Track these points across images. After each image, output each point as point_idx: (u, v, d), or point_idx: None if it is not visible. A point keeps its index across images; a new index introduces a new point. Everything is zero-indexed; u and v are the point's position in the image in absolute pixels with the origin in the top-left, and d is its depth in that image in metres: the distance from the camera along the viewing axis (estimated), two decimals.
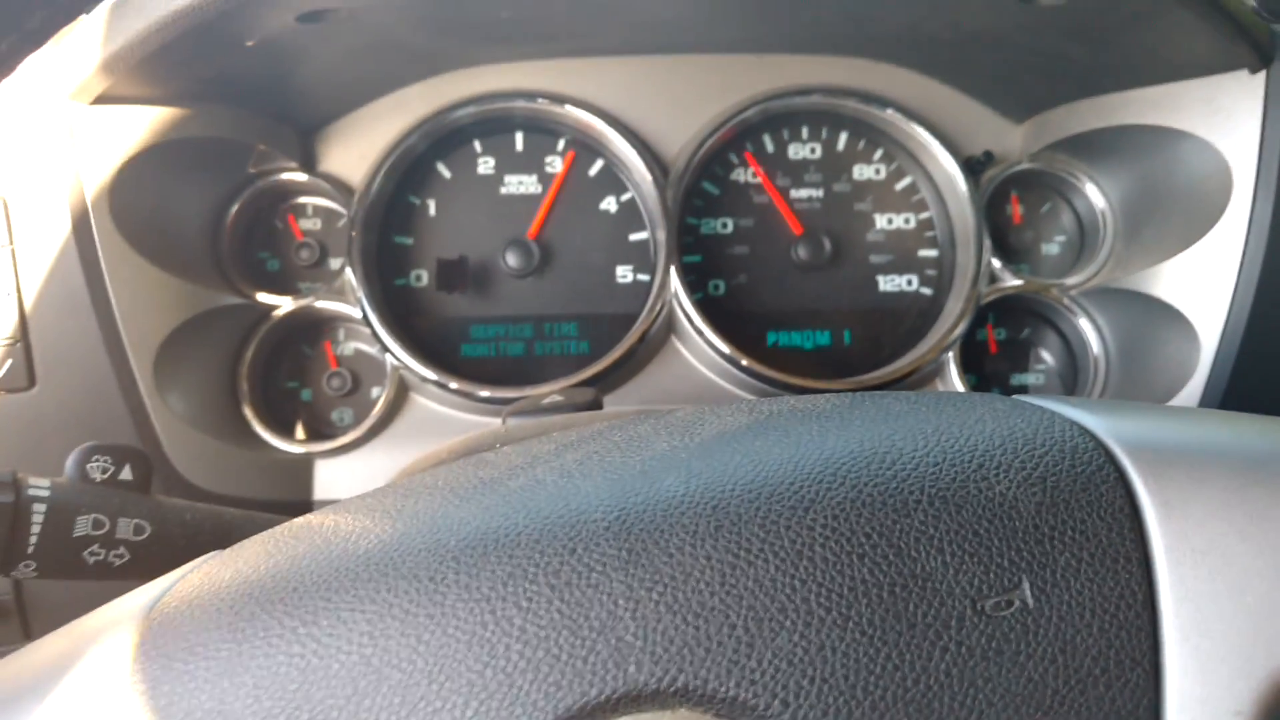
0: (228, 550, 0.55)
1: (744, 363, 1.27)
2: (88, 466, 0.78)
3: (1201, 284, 1.17)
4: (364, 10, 1.06)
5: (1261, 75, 1.13)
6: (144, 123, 1.11)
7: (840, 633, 0.44)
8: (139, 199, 1.13)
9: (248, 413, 1.25)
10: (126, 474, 0.81)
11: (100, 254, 1.08)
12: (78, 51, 1.04)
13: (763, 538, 0.46)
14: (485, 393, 1.25)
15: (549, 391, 1.14)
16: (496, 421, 1.23)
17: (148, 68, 1.03)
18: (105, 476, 0.79)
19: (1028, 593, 0.45)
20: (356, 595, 0.47)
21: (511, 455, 0.59)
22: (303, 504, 1.23)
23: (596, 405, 1.02)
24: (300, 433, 1.31)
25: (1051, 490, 0.48)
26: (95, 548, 0.76)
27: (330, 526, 0.53)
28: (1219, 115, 1.16)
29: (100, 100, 1.08)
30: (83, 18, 1.01)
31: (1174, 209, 1.23)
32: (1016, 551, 0.46)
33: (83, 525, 0.76)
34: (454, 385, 1.25)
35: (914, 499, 0.48)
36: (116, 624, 0.49)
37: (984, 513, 0.47)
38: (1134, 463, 0.48)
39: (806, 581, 0.45)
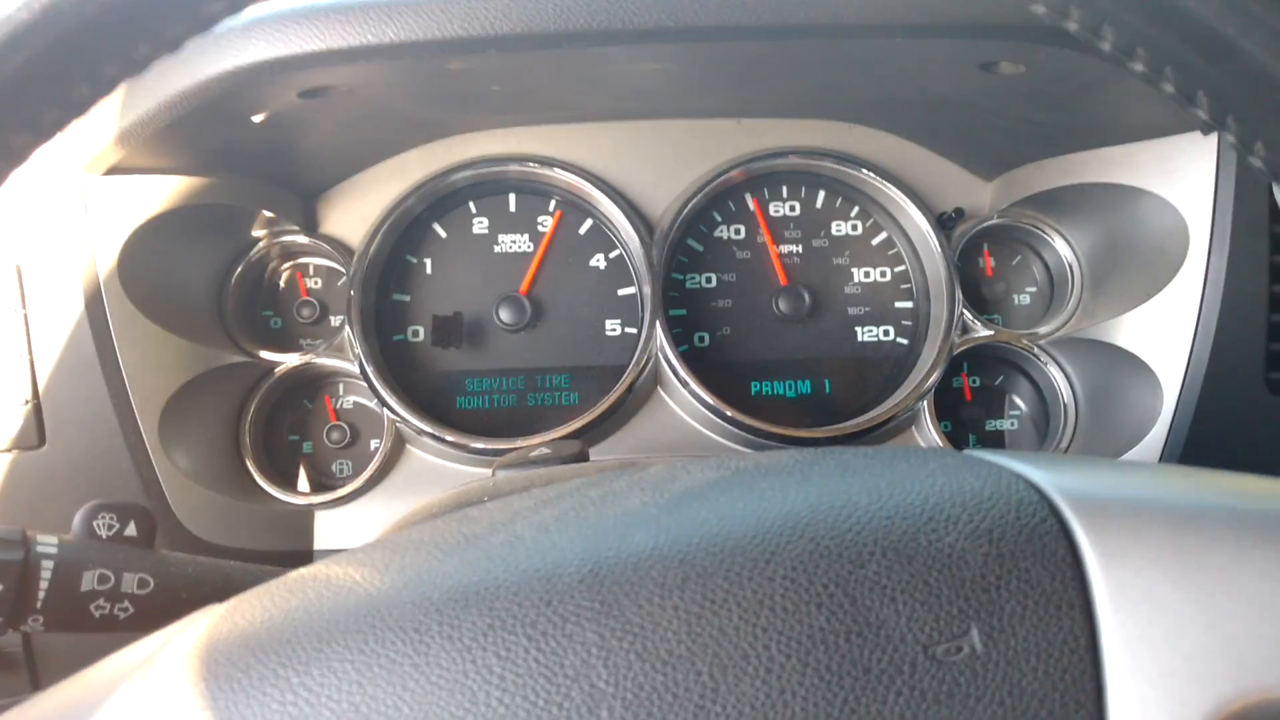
0: (226, 604, 0.57)
1: (728, 413, 1.31)
2: (94, 523, 0.81)
3: (1163, 334, 1.23)
4: (362, 87, 1.12)
5: (1214, 136, 1.19)
6: (153, 191, 1.17)
7: (799, 678, 0.46)
8: (148, 264, 1.18)
9: (250, 466, 1.30)
10: (131, 530, 0.84)
11: (109, 318, 1.13)
12: (92, 125, 1.10)
13: (726, 589, 0.49)
14: (478, 444, 1.30)
15: (539, 443, 1.19)
16: (490, 472, 1.28)
17: (158, 141, 1.09)
18: (111, 533, 0.82)
19: (976, 639, 0.47)
20: (346, 646, 0.50)
21: (494, 511, 0.63)
22: (304, 554, 1.28)
23: (583, 457, 1.07)
24: (302, 484, 1.36)
25: (998, 541, 0.50)
26: (101, 601, 0.79)
27: (323, 580, 0.56)
28: (1175, 174, 1.22)
29: (112, 171, 1.14)
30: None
31: (1136, 262, 1.29)
32: (965, 600, 0.48)
33: (89, 580, 0.79)
34: (448, 437, 1.30)
35: (868, 551, 0.50)
36: (122, 675, 0.52)
37: (934, 564, 0.49)
38: (1076, 515, 0.51)
39: (768, 630, 0.48)
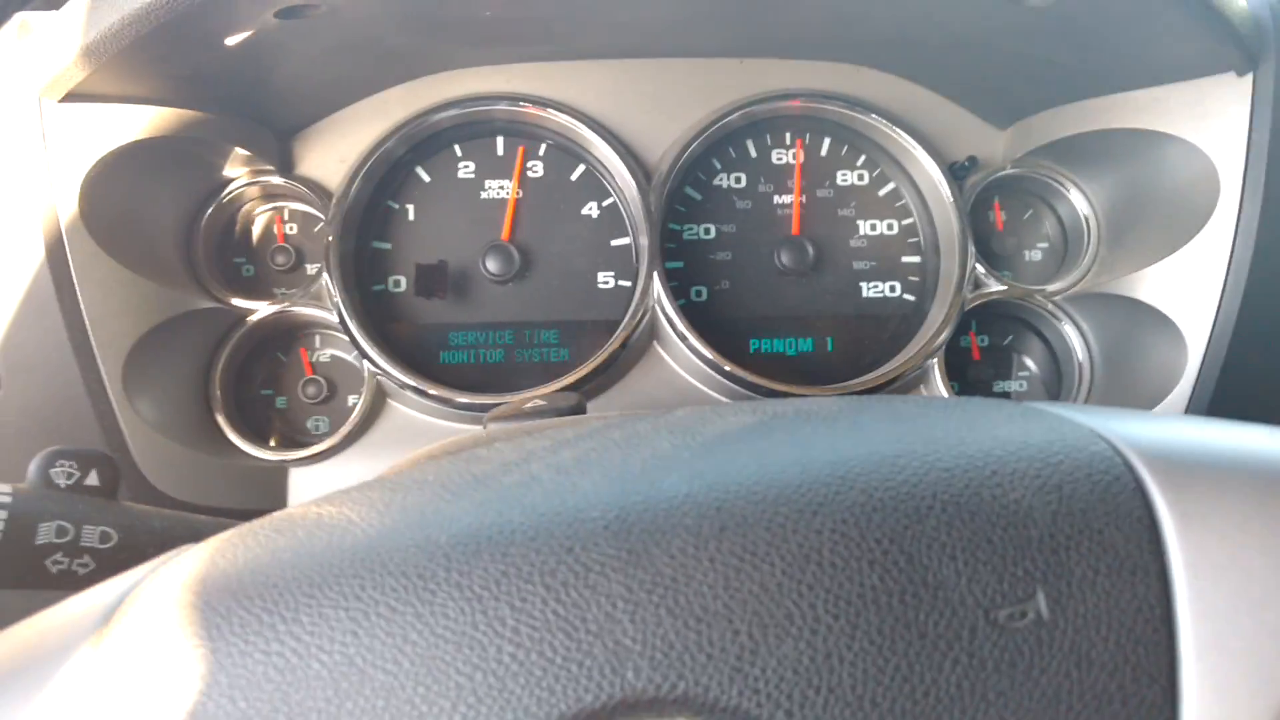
0: (201, 544, 0.52)
1: (727, 368, 1.25)
2: (51, 472, 0.76)
3: (1188, 288, 1.17)
4: (345, 6, 1.03)
5: (1249, 77, 1.13)
6: (118, 121, 1.09)
7: (848, 641, 0.42)
8: (111, 200, 1.10)
9: (220, 420, 1.23)
10: (93, 479, 0.78)
11: (69, 255, 1.06)
12: (49, 46, 1.01)
13: (769, 541, 0.45)
14: (464, 399, 1.23)
15: (530, 398, 1.12)
16: (477, 428, 1.21)
17: (121, 63, 1.01)
18: (70, 482, 0.77)
19: (1042, 604, 0.43)
20: (340, 592, 0.45)
21: (505, 451, 0.58)
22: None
23: (580, 410, 1.00)
24: (275, 441, 1.28)
25: (1067, 499, 0.46)
26: (58, 556, 0.73)
27: (313, 519, 0.51)
28: (1206, 118, 1.16)
29: (72, 97, 1.06)
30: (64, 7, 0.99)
31: (1160, 213, 1.23)
32: (1031, 561, 0.44)
33: (45, 533, 0.73)
34: (433, 391, 1.23)
35: (926, 505, 0.46)
36: (81, 620, 0.47)
37: (998, 520, 0.45)
38: (1152, 472, 0.47)
39: (814, 587, 0.43)
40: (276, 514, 0.54)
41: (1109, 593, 0.43)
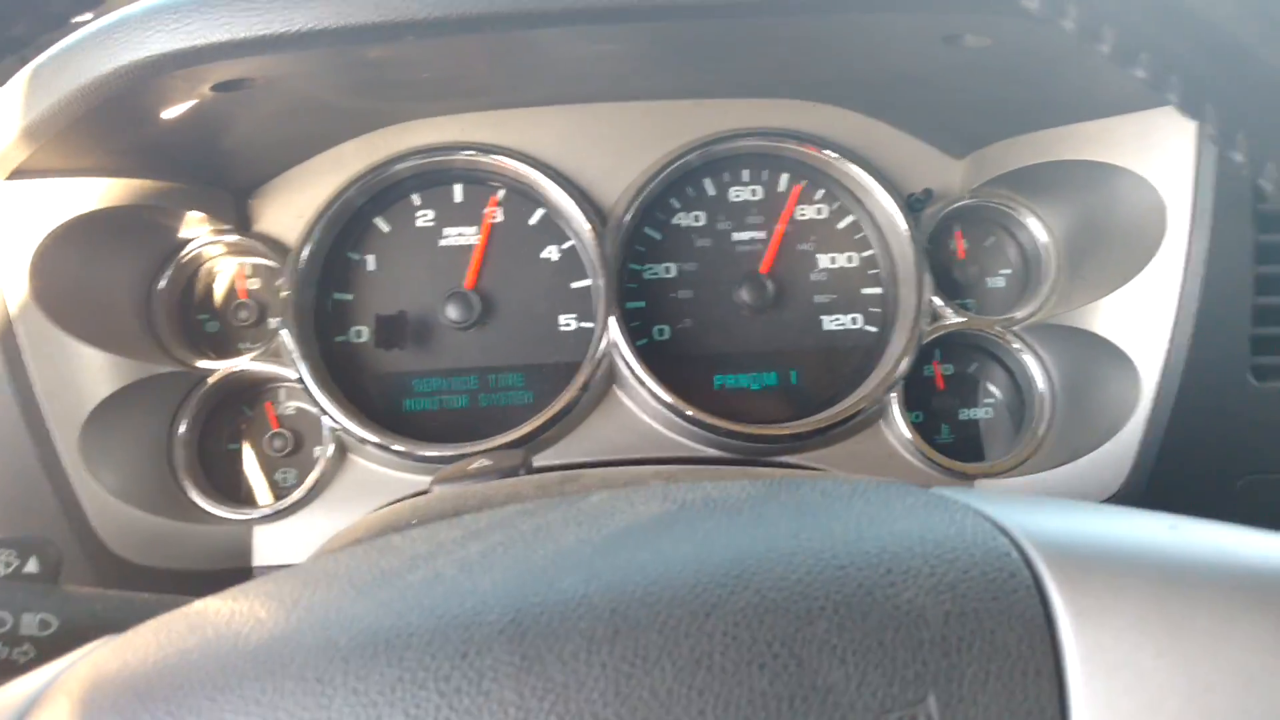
0: (120, 637, 0.53)
1: (688, 412, 1.25)
2: None
3: (1140, 320, 1.17)
4: (280, 79, 1.04)
5: None
6: (65, 195, 1.10)
7: None
8: (63, 274, 1.11)
9: (185, 482, 1.24)
10: (32, 566, 0.79)
11: (19, 333, 1.07)
12: None
13: (661, 644, 0.45)
14: (421, 452, 1.23)
15: (482, 451, 1.13)
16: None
17: (65, 141, 1.02)
18: (9, 571, 0.77)
19: (933, 708, 0.43)
20: (241, 696, 0.45)
21: (417, 542, 0.58)
22: (243, 572, 1.22)
23: (526, 468, 1.01)
24: (244, 496, 1.29)
25: (961, 598, 0.46)
26: None
27: (225, 616, 0.52)
28: (1153, 150, 1.16)
29: (17, 174, 1.06)
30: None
31: (1113, 244, 1.23)
32: (922, 664, 0.44)
33: None
34: (393, 446, 1.23)
35: (818, 606, 0.46)
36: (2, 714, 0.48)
37: (889, 622, 0.45)
38: (1050, 568, 0.46)
39: (704, 692, 0.43)
40: (193, 607, 0.54)
41: (1001, 695, 0.43)
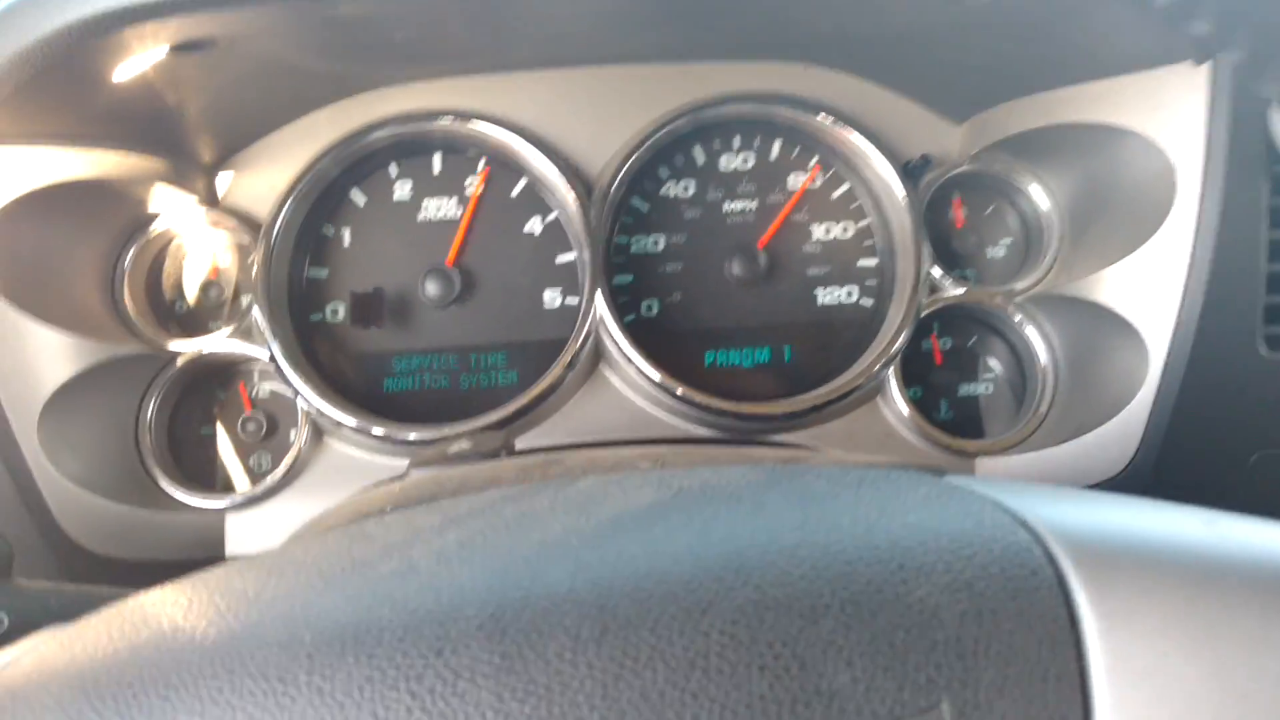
0: (68, 629, 0.51)
1: (678, 391, 1.21)
2: None
3: (1149, 290, 1.12)
4: (243, 38, 0.99)
5: (1205, 67, 1.08)
6: (20, 167, 1.05)
7: None
8: (18, 251, 1.07)
9: (154, 469, 1.19)
10: None
11: None
12: None
13: (653, 645, 0.42)
14: (399, 435, 1.18)
15: (461, 433, 1.08)
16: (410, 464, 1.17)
17: (15, 106, 0.97)
18: None
19: (947, 715, 0.40)
20: (197, 695, 0.43)
21: (392, 529, 0.55)
22: (215, 562, 1.16)
23: (507, 450, 0.96)
24: (217, 482, 1.25)
25: (979, 596, 0.43)
26: None
27: (182, 608, 0.49)
28: (1162, 110, 1.11)
29: None
30: None
31: (1119, 211, 1.18)
32: (936, 667, 0.41)
33: None
34: (372, 429, 1.18)
35: (823, 604, 0.43)
36: None
37: (901, 622, 0.42)
38: (1076, 566, 0.43)
39: (698, 696, 0.40)
40: (148, 597, 0.52)
41: (1021, 703, 0.40)
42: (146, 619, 0.49)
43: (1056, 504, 0.49)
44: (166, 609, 0.49)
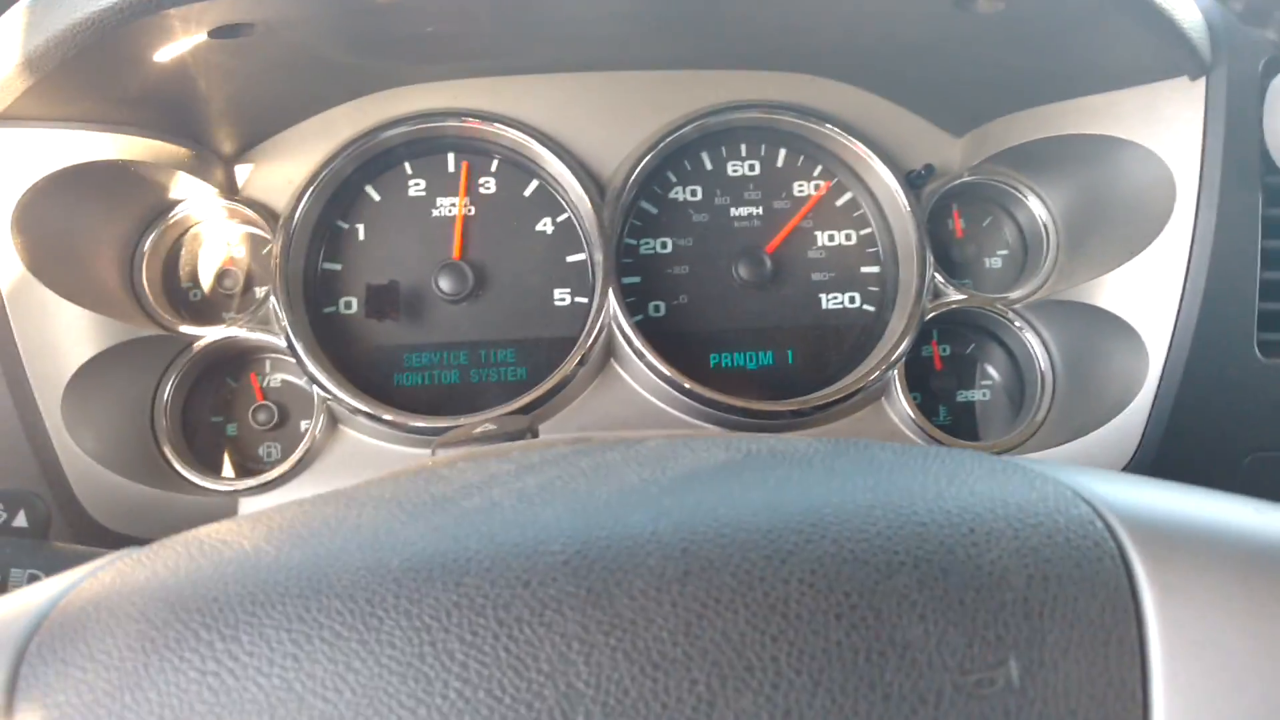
0: (146, 548, 0.51)
1: (686, 386, 1.23)
2: None
3: (1148, 294, 1.16)
4: (281, 26, 1.01)
5: (1201, 81, 1.12)
6: (54, 145, 1.06)
7: (809, 699, 0.41)
8: (47, 227, 1.07)
9: (167, 450, 1.19)
10: (21, 520, 0.77)
11: (2, 286, 1.03)
12: None
13: (734, 588, 0.43)
14: (417, 423, 1.20)
15: (482, 420, 1.10)
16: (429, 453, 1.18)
17: (54, 86, 0.98)
18: None
19: (1014, 671, 0.42)
20: (284, 612, 0.43)
21: (468, 471, 0.56)
22: None
23: (533, 434, 0.98)
24: (227, 469, 1.25)
25: (1045, 563, 0.45)
26: None
27: (263, 531, 0.50)
28: (1160, 123, 1.15)
29: (3, 120, 1.02)
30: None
31: (1117, 219, 1.22)
32: (1004, 626, 0.43)
33: None
34: (386, 416, 1.20)
35: (898, 560, 0.44)
36: (13, 619, 0.46)
37: (971, 582, 0.44)
38: (1134, 541, 0.45)
39: (778, 639, 0.42)
40: (224, 523, 0.52)
41: (1082, 663, 0.42)
42: (227, 542, 0.49)
43: (1114, 483, 0.51)
44: (248, 532, 0.50)
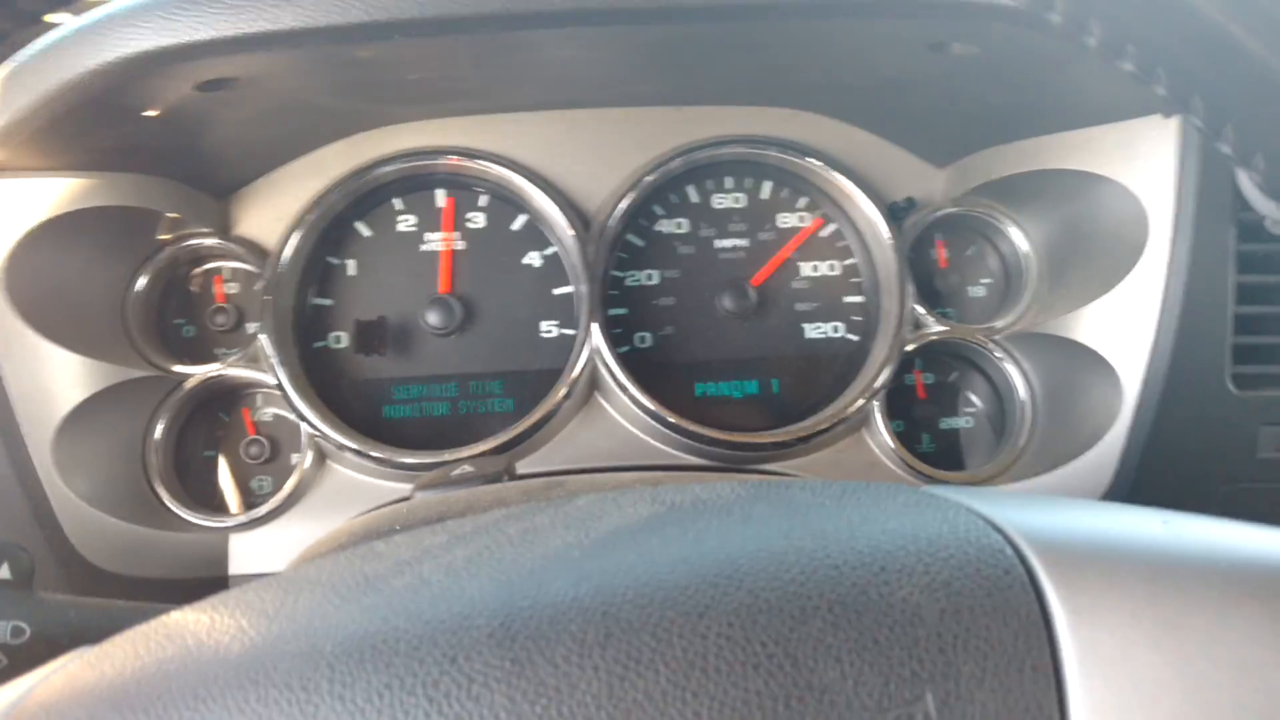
0: (96, 648, 0.52)
1: (670, 419, 1.24)
2: None
3: (1123, 328, 1.17)
4: (265, 78, 1.03)
5: (1175, 120, 1.13)
6: (43, 194, 1.08)
7: None
8: (37, 274, 1.09)
9: (159, 488, 1.21)
10: (4, 573, 0.77)
11: None
12: None
13: (654, 647, 0.44)
14: (400, 459, 1.22)
15: (464, 458, 1.12)
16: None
17: (42, 140, 1.00)
18: None
19: (931, 706, 0.43)
20: (224, 705, 0.45)
21: (401, 547, 0.57)
22: (219, 581, 1.19)
23: (509, 475, 1.00)
24: (220, 503, 1.27)
25: (956, 595, 0.45)
26: None
27: (205, 626, 0.51)
28: (1136, 159, 1.16)
29: None
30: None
31: (1094, 252, 1.23)
32: (919, 661, 0.44)
33: None
34: (372, 453, 1.22)
35: (812, 605, 0.45)
36: None
37: (884, 620, 0.45)
38: (1044, 565, 0.46)
39: (698, 694, 0.43)
40: (171, 616, 0.53)
41: (999, 693, 0.43)
42: (171, 636, 0.50)
43: (1025, 508, 0.52)
44: (190, 627, 0.51)
